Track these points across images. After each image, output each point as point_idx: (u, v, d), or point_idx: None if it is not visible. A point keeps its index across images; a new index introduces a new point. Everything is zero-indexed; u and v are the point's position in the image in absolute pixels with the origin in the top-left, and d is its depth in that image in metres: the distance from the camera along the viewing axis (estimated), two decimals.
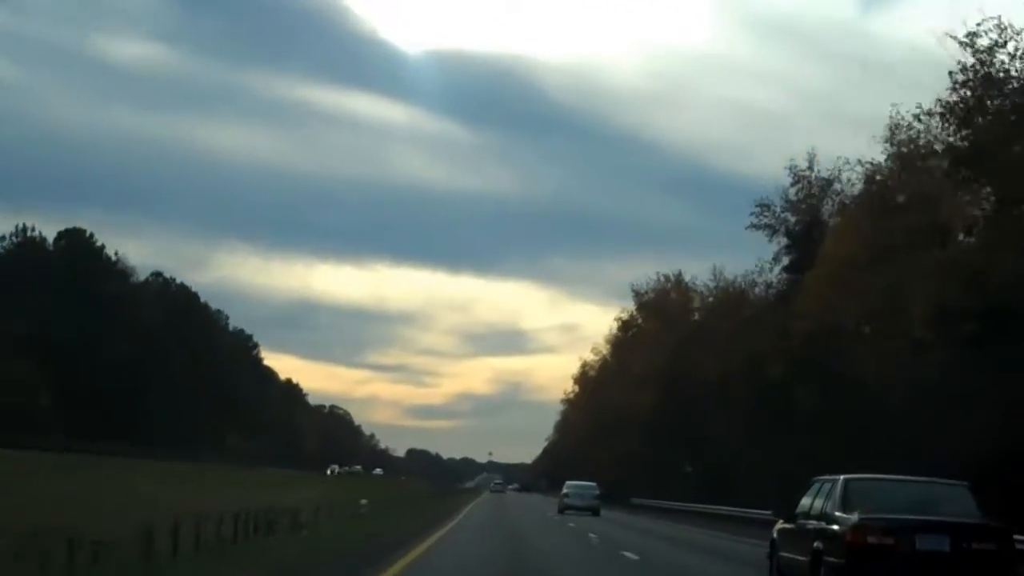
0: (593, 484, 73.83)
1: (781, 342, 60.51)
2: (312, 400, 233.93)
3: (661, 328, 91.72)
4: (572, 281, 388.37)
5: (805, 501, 19.47)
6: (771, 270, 71.37)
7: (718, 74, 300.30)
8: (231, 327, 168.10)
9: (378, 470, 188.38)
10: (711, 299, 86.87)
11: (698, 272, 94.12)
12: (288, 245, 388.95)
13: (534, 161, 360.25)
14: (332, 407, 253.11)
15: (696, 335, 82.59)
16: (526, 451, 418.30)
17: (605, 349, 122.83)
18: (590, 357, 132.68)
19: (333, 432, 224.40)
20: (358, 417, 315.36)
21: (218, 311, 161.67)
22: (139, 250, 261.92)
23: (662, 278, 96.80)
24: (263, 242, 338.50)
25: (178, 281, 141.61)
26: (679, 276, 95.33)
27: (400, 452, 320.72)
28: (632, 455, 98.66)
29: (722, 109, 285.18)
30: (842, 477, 18.46)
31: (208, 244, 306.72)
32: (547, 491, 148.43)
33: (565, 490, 71.46)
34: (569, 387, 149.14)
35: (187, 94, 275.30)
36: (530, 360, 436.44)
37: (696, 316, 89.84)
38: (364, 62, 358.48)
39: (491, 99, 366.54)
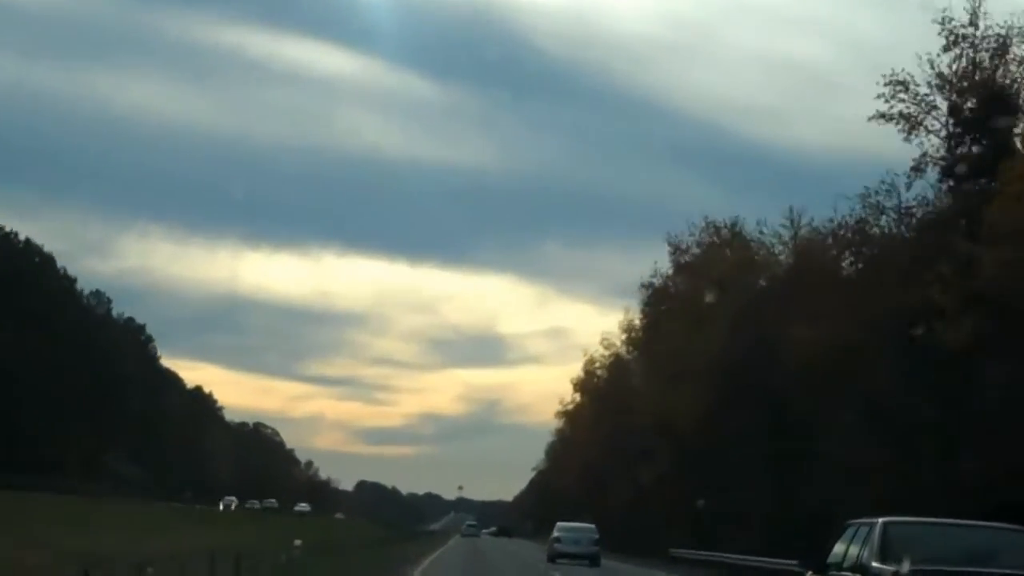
0: (591, 526, 74.23)
1: (948, 290, 47.97)
2: (234, 417, 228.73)
3: (712, 296, 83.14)
4: (563, 275, 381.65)
5: (838, 549, 19.82)
6: (909, 186, 57.43)
7: (746, 20, 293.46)
8: (115, 313, 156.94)
9: (303, 505, 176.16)
10: (783, 255, 79.17)
11: (764, 216, 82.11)
12: (211, 228, 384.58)
13: (517, 126, 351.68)
14: (257, 424, 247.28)
15: (771, 301, 72.81)
16: (506, 486, 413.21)
17: (620, 340, 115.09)
18: (599, 352, 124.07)
19: (255, 456, 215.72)
20: (293, 441, 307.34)
21: (97, 291, 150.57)
22: (21, 230, 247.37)
23: (711, 228, 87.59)
24: (180, 224, 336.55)
25: (23, 237, 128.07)
26: (735, 224, 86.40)
27: (347, 485, 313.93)
28: (665, 487, 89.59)
29: (751, 64, 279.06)
30: (880, 521, 18.68)
31: (111, 225, 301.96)
32: (534, 535, 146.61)
33: (556, 533, 71.83)
34: (567, 396, 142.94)
35: (87, 39, 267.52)
36: (511, 373, 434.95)
37: (763, 281, 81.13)
38: (305, 0, 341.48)
39: (464, 49, 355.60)
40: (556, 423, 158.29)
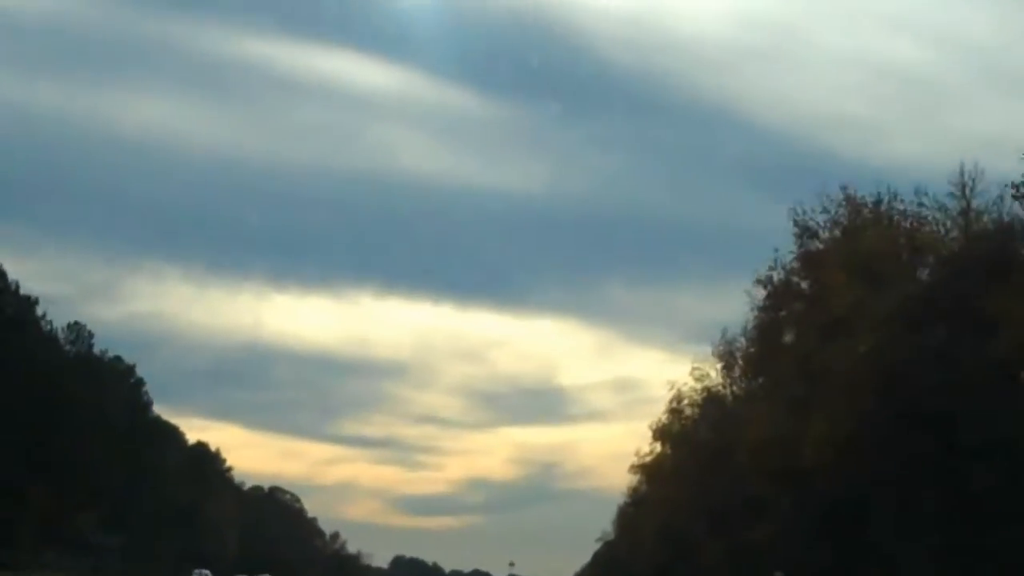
0: None
1: None
2: (249, 480, 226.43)
3: (856, 290, 74.62)
4: (631, 318, 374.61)
5: None
6: None
7: (838, 21, 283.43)
8: (98, 350, 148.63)
9: None
10: (953, 234, 73.83)
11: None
12: (232, 267, 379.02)
13: (576, 145, 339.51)
14: (273, 489, 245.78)
15: (941, 290, 67.94)
16: (565, 561, 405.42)
17: (715, 368, 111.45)
18: (688, 385, 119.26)
19: (268, 525, 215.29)
20: (319, 509, 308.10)
21: (75, 323, 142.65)
22: (15, 270, 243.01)
23: (850, 204, 79.79)
24: (197, 263, 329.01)
25: None
26: (879, 200, 78.59)
27: (382, 560, 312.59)
28: (783, 546, 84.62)
29: (844, 71, 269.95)
30: None
31: (118, 265, 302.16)
32: None
33: None
34: (643, 448, 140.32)
35: (91, 53, 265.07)
36: (571, 431, 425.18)
37: (925, 271, 75.22)
38: (338, 6, 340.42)
39: (516, 58, 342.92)
40: (629, 480, 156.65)
